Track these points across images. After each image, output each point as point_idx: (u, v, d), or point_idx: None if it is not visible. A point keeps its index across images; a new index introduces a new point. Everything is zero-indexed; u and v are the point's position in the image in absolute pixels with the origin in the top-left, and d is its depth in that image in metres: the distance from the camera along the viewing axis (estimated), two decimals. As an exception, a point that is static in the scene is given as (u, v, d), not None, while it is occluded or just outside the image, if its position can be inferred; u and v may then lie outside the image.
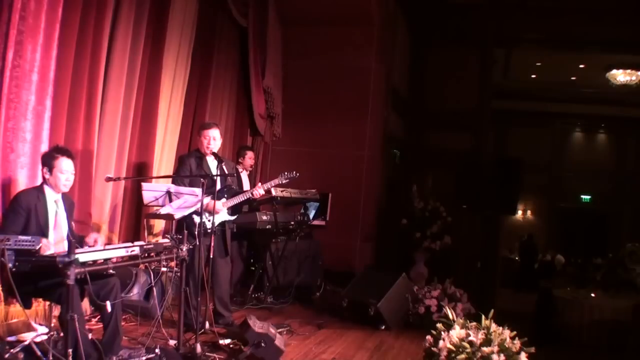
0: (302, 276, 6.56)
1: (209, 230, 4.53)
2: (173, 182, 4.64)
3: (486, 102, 10.65)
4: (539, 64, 12.68)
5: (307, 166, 7.49)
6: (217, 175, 4.51)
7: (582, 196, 15.49)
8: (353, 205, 8.04)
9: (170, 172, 5.72)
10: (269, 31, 7.76)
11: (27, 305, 3.23)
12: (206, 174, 4.43)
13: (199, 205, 4.11)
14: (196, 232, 4.21)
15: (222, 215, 4.74)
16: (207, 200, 4.32)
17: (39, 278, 3.19)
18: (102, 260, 3.16)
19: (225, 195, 4.77)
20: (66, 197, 3.64)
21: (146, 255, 3.45)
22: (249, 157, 6.35)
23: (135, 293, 4.66)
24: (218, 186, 4.57)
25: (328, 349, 4.64)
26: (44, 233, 3.36)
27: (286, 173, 5.01)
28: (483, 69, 10.60)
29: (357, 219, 8.12)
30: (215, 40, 6.75)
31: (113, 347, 3.42)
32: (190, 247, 3.92)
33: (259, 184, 4.97)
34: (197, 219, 4.27)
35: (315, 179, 7.37)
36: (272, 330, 4.06)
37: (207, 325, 4.58)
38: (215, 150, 4.68)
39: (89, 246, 3.51)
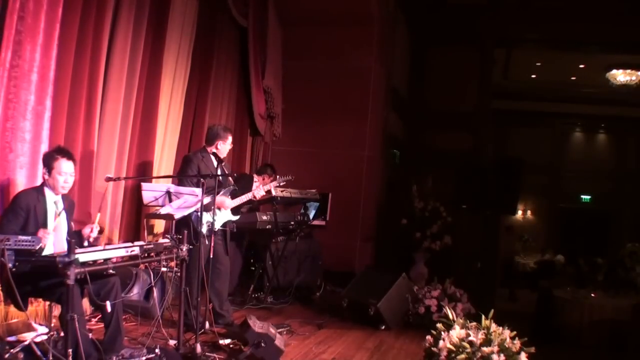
0: (302, 276, 6.56)
1: (209, 231, 4.53)
2: (179, 182, 4.67)
3: (486, 102, 10.66)
4: (539, 64, 12.68)
5: (307, 166, 7.50)
6: (218, 175, 4.51)
7: (582, 196, 15.47)
8: (353, 205, 8.03)
9: (171, 172, 5.73)
10: (269, 31, 7.76)
11: (25, 306, 3.22)
12: (207, 174, 4.43)
13: (198, 205, 4.11)
14: (199, 230, 4.21)
15: (226, 215, 4.76)
16: (208, 200, 4.32)
17: (38, 278, 3.19)
18: (102, 260, 3.16)
19: (229, 196, 4.81)
20: (66, 197, 3.63)
21: (146, 255, 3.45)
22: (270, 179, 6.17)
23: (135, 293, 4.66)
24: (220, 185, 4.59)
25: (328, 349, 4.64)
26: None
27: (282, 176, 5.12)
28: (483, 69, 10.61)
29: (357, 219, 8.12)
30: (215, 40, 6.75)
31: (114, 346, 3.43)
32: (190, 247, 3.92)
33: (259, 185, 4.98)
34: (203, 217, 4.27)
35: (315, 179, 7.37)
36: (272, 330, 4.06)
37: (207, 325, 4.57)
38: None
39: (86, 236, 3.52)
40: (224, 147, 4.81)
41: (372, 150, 8.37)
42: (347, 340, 5.00)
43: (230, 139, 4.85)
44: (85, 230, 3.56)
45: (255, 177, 6.31)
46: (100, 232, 3.69)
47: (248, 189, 5.46)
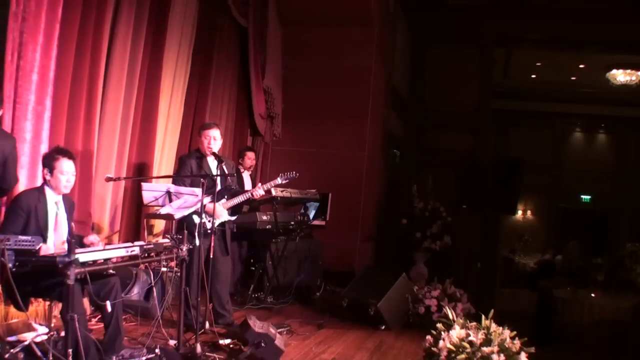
0: (302, 276, 6.55)
1: (209, 231, 4.53)
2: (173, 182, 4.64)
3: (486, 102, 10.66)
4: (539, 64, 12.68)
5: (307, 166, 7.49)
6: (217, 175, 4.50)
7: (582, 196, 15.48)
8: (353, 205, 8.03)
9: (171, 172, 5.73)
10: (269, 31, 7.76)
11: (25, 307, 3.22)
12: (206, 174, 4.43)
13: (199, 205, 4.11)
14: (196, 233, 4.20)
15: (223, 215, 4.75)
16: (207, 200, 4.32)
17: (39, 278, 3.19)
18: (102, 260, 3.16)
19: (226, 196, 4.78)
20: (66, 198, 3.63)
21: (146, 255, 3.45)
22: (248, 158, 6.40)
23: (135, 293, 4.66)
24: (218, 187, 4.57)
25: (328, 349, 4.64)
26: (43, 234, 3.36)
27: (286, 173, 5.02)
28: (483, 69, 10.62)
29: (357, 219, 8.11)
30: (215, 40, 6.75)
31: (115, 346, 3.43)
32: (190, 247, 3.92)
33: (259, 184, 4.97)
34: (197, 219, 4.27)
35: (315, 179, 7.36)
36: (272, 330, 4.06)
37: (207, 325, 4.57)
38: (216, 151, 4.68)
39: (87, 244, 3.52)
40: (202, 140, 4.68)
41: (372, 150, 8.37)
42: (347, 340, 5.00)
43: (205, 132, 4.67)
44: (89, 239, 3.56)
45: (241, 168, 6.35)
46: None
47: (239, 184, 5.46)
